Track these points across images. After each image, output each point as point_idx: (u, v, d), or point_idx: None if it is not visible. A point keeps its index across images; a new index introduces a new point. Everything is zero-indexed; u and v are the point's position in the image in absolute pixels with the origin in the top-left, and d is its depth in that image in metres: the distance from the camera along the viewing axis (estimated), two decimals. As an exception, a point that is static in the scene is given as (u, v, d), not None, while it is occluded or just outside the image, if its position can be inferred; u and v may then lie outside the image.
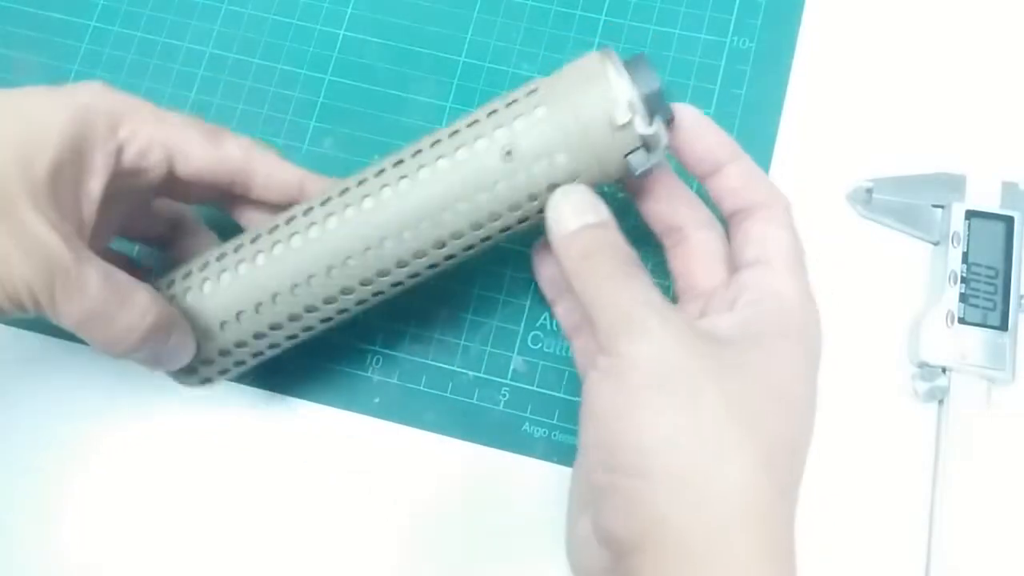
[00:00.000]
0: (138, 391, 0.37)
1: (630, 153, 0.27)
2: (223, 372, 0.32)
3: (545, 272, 0.33)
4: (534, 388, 0.36)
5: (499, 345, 0.37)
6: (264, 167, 0.31)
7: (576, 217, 0.27)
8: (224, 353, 0.31)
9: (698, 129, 0.29)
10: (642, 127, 0.27)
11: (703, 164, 0.29)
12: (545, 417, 0.36)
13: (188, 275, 0.30)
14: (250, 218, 0.32)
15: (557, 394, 0.36)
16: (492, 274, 0.37)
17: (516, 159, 0.27)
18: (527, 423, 0.35)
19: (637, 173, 0.28)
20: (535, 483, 0.35)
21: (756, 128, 0.39)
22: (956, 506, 0.33)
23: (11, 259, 0.24)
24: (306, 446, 0.36)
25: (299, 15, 0.42)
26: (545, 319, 0.37)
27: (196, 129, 0.29)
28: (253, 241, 0.30)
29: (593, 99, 0.27)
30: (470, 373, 0.36)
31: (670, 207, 0.30)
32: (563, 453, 0.35)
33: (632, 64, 0.27)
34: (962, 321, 0.34)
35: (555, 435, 0.35)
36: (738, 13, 0.40)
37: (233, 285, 0.29)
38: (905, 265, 0.37)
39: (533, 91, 0.28)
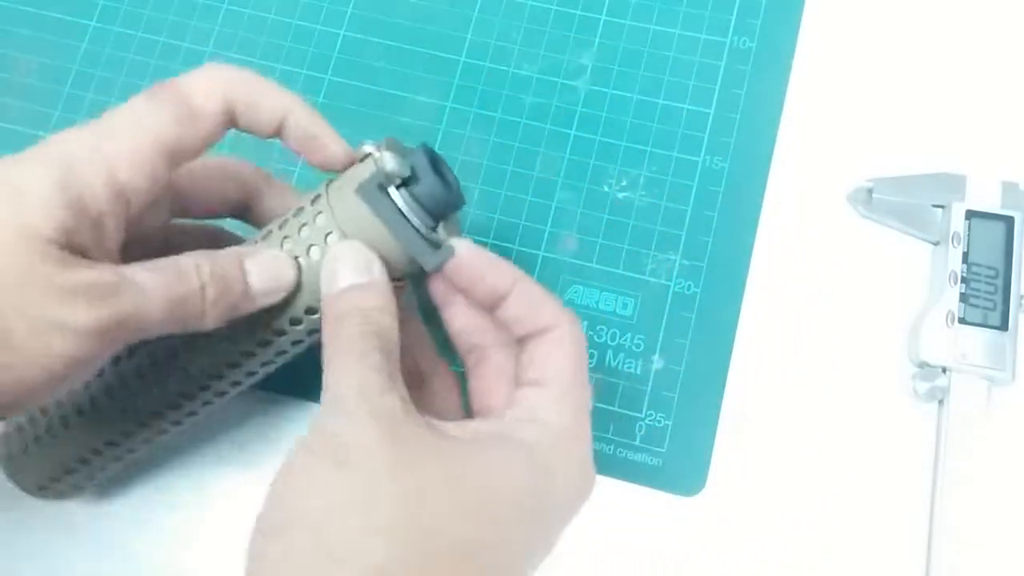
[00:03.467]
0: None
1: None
2: (64, 490, 0.32)
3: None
4: (534, 388, 0.36)
5: (499, 345, 0.37)
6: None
7: (348, 273, 0.26)
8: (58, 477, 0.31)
9: (474, 263, 0.27)
10: (402, 203, 0.27)
11: (485, 299, 0.27)
12: (545, 417, 0.35)
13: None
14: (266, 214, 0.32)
15: (557, 394, 0.36)
16: (492, 274, 0.37)
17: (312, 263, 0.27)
18: (527, 423, 0.35)
19: (428, 268, 0.27)
20: (535, 483, 0.35)
21: (756, 128, 0.39)
22: (956, 506, 0.33)
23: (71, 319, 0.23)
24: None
25: (299, 15, 0.42)
26: (545, 319, 0.37)
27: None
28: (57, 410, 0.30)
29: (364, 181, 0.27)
30: (470, 373, 0.36)
31: (474, 323, 0.29)
32: (563, 453, 0.35)
33: (412, 153, 0.27)
34: (962, 321, 0.34)
35: (555, 435, 0.35)
36: (738, 13, 0.40)
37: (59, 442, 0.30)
38: (905, 265, 0.37)
39: (320, 195, 0.28)
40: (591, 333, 0.36)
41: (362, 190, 0.27)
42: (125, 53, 0.42)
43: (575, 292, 0.37)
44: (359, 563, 0.22)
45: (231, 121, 0.28)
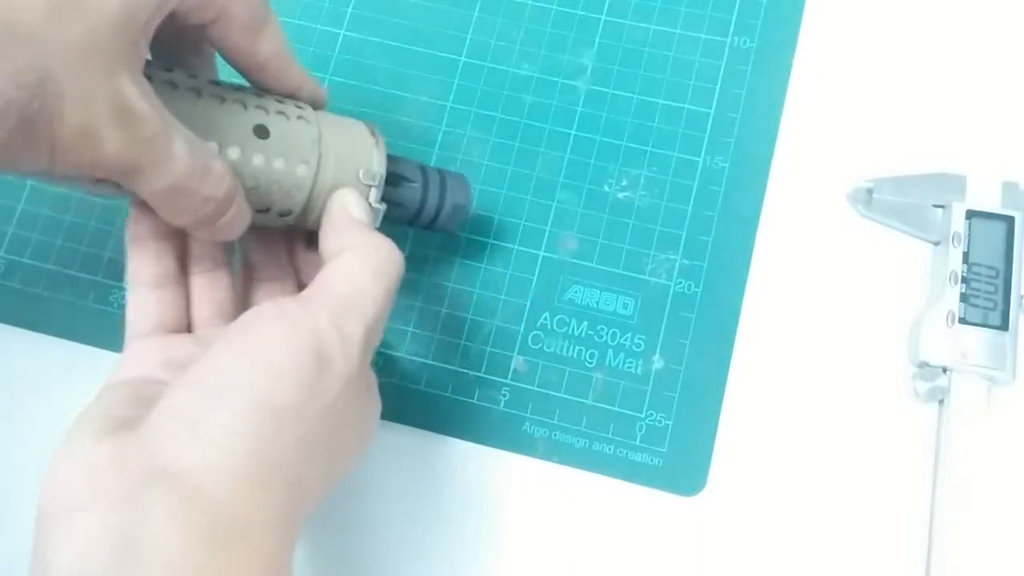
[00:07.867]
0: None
1: None
2: None
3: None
4: (534, 388, 0.36)
5: (499, 345, 0.37)
6: (277, 70, 0.31)
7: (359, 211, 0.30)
8: None
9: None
10: (374, 198, 0.30)
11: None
12: (545, 417, 0.36)
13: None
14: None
15: (557, 394, 0.36)
16: (492, 274, 0.37)
17: (267, 143, 0.28)
18: (527, 423, 0.35)
19: None
20: (535, 483, 0.35)
21: (756, 128, 0.39)
22: (956, 506, 0.33)
23: (104, 134, 0.23)
24: (306, 446, 0.36)
25: (299, 15, 0.42)
26: (546, 319, 0.37)
27: (245, 6, 0.29)
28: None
29: (359, 147, 0.30)
30: (470, 373, 0.36)
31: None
32: (563, 453, 0.35)
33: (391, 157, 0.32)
34: (962, 321, 0.34)
35: (555, 435, 0.35)
36: (738, 13, 0.40)
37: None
38: (905, 265, 0.37)
39: (302, 108, 0.30)
40: (591, 333, 0.36)
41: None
42: (125, 53, 0.42)
43: (575, 292, 0.37)
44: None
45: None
